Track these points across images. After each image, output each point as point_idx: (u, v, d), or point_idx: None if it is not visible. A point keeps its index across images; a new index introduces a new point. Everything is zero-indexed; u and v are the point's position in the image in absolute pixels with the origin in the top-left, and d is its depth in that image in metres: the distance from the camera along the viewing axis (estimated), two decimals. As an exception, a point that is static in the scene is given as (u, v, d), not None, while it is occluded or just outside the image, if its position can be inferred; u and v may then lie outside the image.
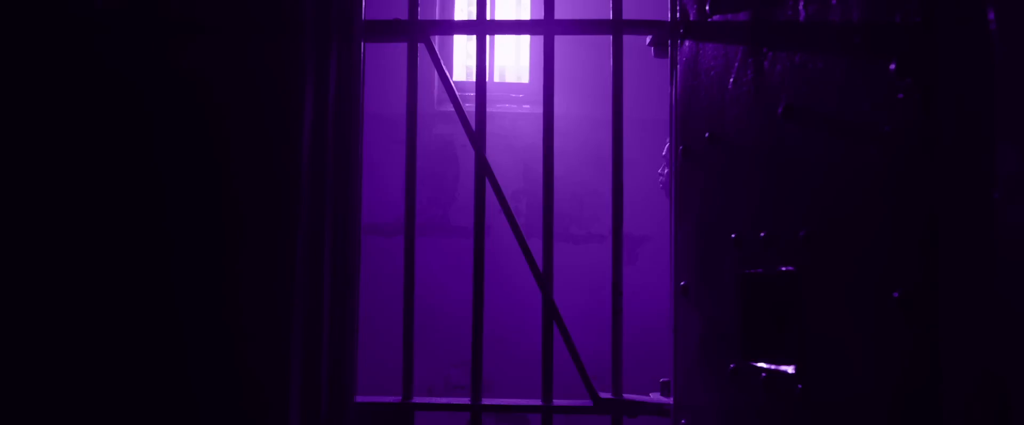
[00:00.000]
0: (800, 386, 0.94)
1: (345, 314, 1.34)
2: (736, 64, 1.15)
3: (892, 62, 0.76)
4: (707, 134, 1.25)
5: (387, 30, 1.51)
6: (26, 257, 1.17)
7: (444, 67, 1.55)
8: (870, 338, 0.81)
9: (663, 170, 2.67)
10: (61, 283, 1.17)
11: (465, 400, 1.47)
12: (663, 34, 1.50)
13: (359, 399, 1.40)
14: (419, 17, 1.51)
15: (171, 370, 1.17)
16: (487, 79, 1.76)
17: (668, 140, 2.68)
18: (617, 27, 1.50)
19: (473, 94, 1.55)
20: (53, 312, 1.16)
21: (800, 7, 0.97)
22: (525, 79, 3.92)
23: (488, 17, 1.66)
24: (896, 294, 0.75)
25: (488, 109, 1.55)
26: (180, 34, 1.21)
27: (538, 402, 1.46)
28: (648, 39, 1.54)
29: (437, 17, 3.72)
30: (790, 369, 0.97)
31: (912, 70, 0.74)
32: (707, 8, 1.27)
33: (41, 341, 1.16)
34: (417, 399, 1.46)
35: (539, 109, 3.22)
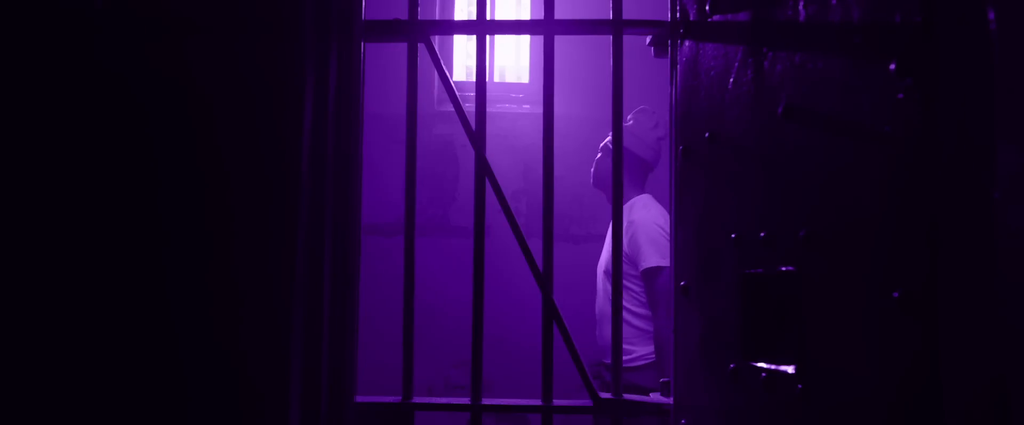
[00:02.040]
0: (800, 386, 0.94)
1: (345, 314, 1.34)
2: (736, 64, 1.15)
3: (892, 62, 0.76)
4: (707, 134, 1.25)
5: (387, 30, 1.51)
6: (20, 256, 1.17)
7: (444, 67, 1.55)
8: (870, 338, 0.81)
9: (597, 159, 2.80)
10: (56, 283, 1.17)
11: (465, 400, 1.47)
12: (663, 34, 1.50)
13: (359, 399, 1.40)
14: (419, 17, 1.52)
15: (170, 370, 1.17)
16: (487, 79, 1.76)
17: (609, 132, 2.81)
18: (617, 27, 1.50)
19: (473, 94, 1.55)
20: (46, 312, 1.16)
21: (800, 7, 0.97)
22: (525, 79, 3.92)
23: (488, 17, 1.66)
24: (896, 294, 0.75)
25: (488, 109, 1.55)
26: (179, 34, 1.21)
27: (538, 402, 1.46)
28: (648, 39, 1.55)
29: (437, 17, 3.72)
30: (790, 369, 0.97)
31: (912, 70, 0.74)
32: (707, 8, 1.27)
33: (34, 340, 1.16)
34: (417, 399, 1.46)
35: (539, 109, 3.22)
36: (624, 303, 2.68)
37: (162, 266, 1.18)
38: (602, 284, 2.74)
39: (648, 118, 2.80)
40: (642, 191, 2.79)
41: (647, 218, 2.60)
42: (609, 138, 2.80)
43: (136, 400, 1.16)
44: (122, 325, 1.17)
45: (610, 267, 2.71)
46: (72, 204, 1.18)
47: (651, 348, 2.59)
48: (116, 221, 1.18)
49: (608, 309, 2.70)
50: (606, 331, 2.65)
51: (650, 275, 2.55)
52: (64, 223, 1.18)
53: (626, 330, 2.64)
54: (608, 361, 2.66)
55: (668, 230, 2.72)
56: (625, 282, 2.67)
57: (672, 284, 2.74)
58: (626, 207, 2.73)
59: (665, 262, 2.57)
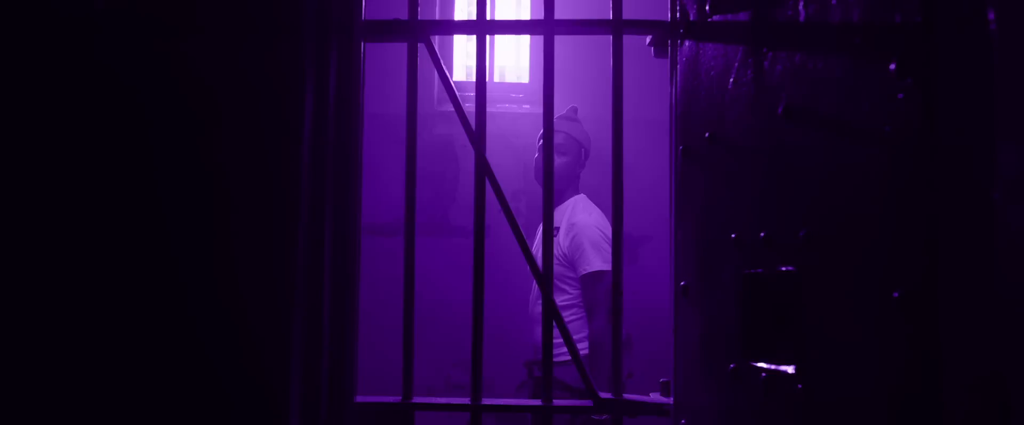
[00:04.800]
0: (800, 386, 0.94)
1: (345, 314, 1.34)
2: (736, 64, 1.15)
3: (892, 62, 0.76)
4: (707, 134, 1.25)
5: (387, 30, 1.51)
6: (26, 258, 1.17)
7: (444, 67, 1.55)
8: (870, 338, 0.81)
9: (537, 157, 2.81)
10: (60, 284, 1.17)
11: (465, 400, 1.47)
12: (663, 34, 1.50)
13: (359, 399, 1.40)
14: (419, 17, 1.51)
15: (170, 372, 1.17)
16: (487, 79, 1.75)
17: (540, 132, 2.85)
18: (617, 27, 1.50)
19: (473, 94, 1.55)
20: (50, 314, 1.16)
21: (800, 7, 0.97)
22: (525, 79, 3.92)
23: (488, 17, 1.66)
24: (896, 294, 0.75)
25: (488, 109, 1.55)
26: (179, 35, 1.21)
27: (538, 402, 1.46)
28: (648, 39, 1.54)
29: (437, 17, 3.72)
30: (790, 369, 0.97)
31: (912, 70, 0.74)
32: (707, 8, 1.27)
33: (40, 343, 1.16)
34: (417, 399, 1.46)
35: (539, 109, 3.22)
36: (558, 302, 2.68)
37: (162, 266, 1.18)
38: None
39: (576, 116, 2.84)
40: (577, 191, 2.81)
41: (589, 222, 2.62)
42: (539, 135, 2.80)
43: (142, 401, 1.16)
44: (126, 326, 1.17)
45: (557, 267, 2.67)
46: (74, 203, 1.18)
47: (581, 345, 2.62)
48: (117, 221, 1.18)
49: (541, 308, 2.70)
50: (537, 331, 2.66)
51: (592, 279, 2.57)
52: (66, 221, 1.18)
53: (557, 329, 2.67)
54: (539, 358, 2.66)
55: (608, 235, 2.70)
56: (559, 283, 2.67)
57: (610, 287, 2.71)
58: (566, 206, 2.74)
59: (607, 266, 2.58)
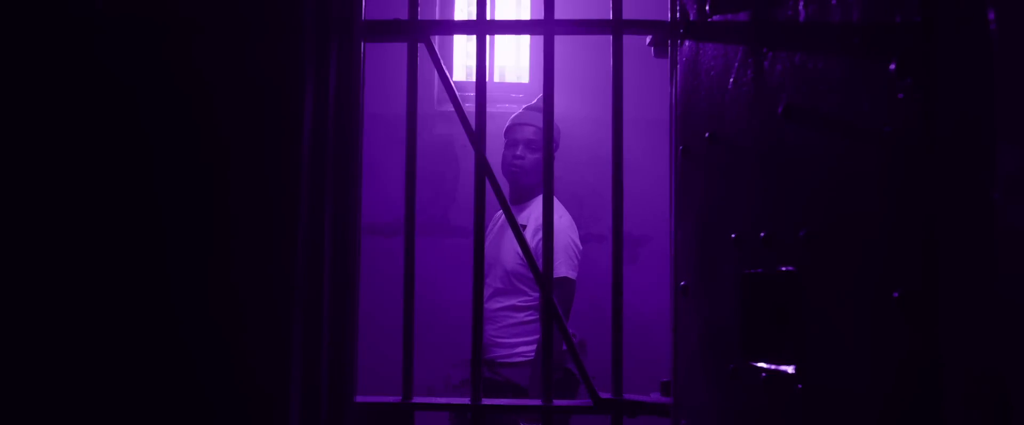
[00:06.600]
0: (800, 386, 0.94)
1: (345, 314, 1.34)
2: (736, 64, 1.15)
3: (892, 62, 0.76)
4: (707, 134, 1.25)
5: (387, 30, 1.51)
6: (22, 256, 1.17)
7: (444, 67, 1.55)
8: (870, 338, 0.81)
9: (522, 154, 2.72)
10: (58, 282, 1.17)
11: (465, 400, 1.47)
12: (663, 34, 1.50)
13: (359, 399, 1.40)
14: (419, 17, 1.51)
15: (170, 373, 1.17)
16: (487, 79, 1.75)
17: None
18: (617, 27, 1.50)
19: (473, 94, 1.55)
20: (50, 311, 1.16)
21: (800, 7, 0.97)
22: (525, 79, 3.91)
23: (488, 17, 1.66)
24: (896, 294, 0.75)
25: (488, 109, 1.55)
26: (179, 35, 1.21)
27: (538, 402, 1.46)
28: (648, 39, 1.55)
29: (437, 17, 3.71)
30: (790, 369, 0.97)
31: (912, 70, 0.74)
32: (707, 8, 1.27)
33: (37, 339, 1.16)
34: (417, 399, 1.46)
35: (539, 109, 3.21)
36: (513, 302, 2.61)
37: (164, 266, 1.18)
38: (503, 283, 2.66)
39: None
40: None
41: (560, 226, 2.56)
42: (519, 124, 2.74)
43: (141, 402, 1.16)
44: (125, 326, 1.17)
45: (519, 268, 2.60)
46: (72, 204, 1.18)
47: (531, 347, 2.58)
48: (116, 221, 1.18)
49: (497, 305, 2.65)
50: (490, 330, 2.61)
51: (555, 284, 2.51)
52: (64, 222, 1.18)
53: (513, 328, 2.62)
54: (489, 357, 2.61)
55: (577, 241, 2.62)
56: (517, 283, 2.63)
57: (572, 296, 2.62)
58: (536, 203, 2.64)
59: (571, 274, 2.55)
